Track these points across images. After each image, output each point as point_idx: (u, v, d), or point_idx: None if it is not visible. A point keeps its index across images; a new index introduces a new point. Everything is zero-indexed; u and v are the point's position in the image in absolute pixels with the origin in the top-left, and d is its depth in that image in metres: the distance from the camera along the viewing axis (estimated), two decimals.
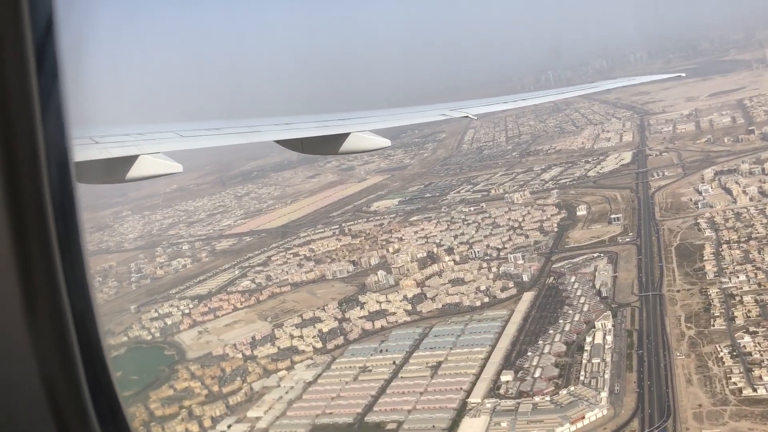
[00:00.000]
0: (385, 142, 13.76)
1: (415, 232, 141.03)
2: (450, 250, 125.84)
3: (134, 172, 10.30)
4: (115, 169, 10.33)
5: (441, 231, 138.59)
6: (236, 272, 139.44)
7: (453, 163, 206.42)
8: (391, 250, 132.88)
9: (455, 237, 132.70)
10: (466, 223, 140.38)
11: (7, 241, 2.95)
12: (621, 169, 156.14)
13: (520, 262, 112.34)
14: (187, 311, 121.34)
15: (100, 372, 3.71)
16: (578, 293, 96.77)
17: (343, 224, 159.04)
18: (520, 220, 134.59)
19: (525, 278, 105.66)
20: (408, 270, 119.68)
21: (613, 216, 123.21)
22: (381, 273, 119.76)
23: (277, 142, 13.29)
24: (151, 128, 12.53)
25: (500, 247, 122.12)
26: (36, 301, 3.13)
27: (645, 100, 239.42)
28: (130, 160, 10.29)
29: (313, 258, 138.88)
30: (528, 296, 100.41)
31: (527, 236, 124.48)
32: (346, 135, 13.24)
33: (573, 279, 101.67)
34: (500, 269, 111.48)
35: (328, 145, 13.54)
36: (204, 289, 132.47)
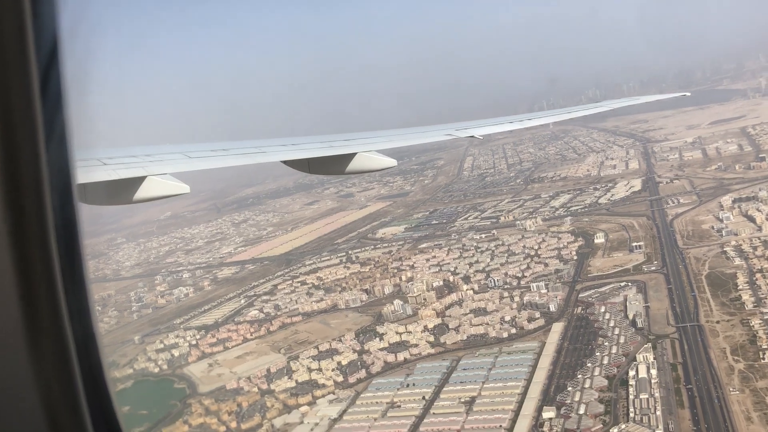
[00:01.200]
0: (392, 162, 13.93)
1: (427, 260, 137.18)
2: (467, 279, 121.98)
3: (141, 193, 10.29)
4: (123, 190, 10.31)
5: (454, 259, 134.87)
6: (242, 301, 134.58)
7: (456, 189, 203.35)
8: (404, 278, 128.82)
9: (470, 265, 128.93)
10: (479, 250, 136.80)
11: (10, 262, 3.00)
12: (633, 197, 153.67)
13: (544, 291, 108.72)
14: (194, 342, 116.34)
15: (101, 396, 3.73)
16: (611, 324, 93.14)
17: (350, 252, 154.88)
18: (536, 247, 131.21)
19: (552, 308, 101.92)
20: (425, 299, 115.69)
21: (634, 244, 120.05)
22: (397, 302, 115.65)
23: (284, 162, 13.29)
24: (158, 149, 12.59)
25: (519, 275, 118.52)
26: (38, 319, 3.17)
27: (645, 128, 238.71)
28: (137, 181, 10.28)
29: (322, 286, 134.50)
30: (558, 327, 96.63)
31: (546, 264, 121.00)
32: (353, 155, 13.45)
33: (603, 309, 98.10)
34: (524, 299, 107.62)
35: (335, 165, 13.65)
36: (210, 318, 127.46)
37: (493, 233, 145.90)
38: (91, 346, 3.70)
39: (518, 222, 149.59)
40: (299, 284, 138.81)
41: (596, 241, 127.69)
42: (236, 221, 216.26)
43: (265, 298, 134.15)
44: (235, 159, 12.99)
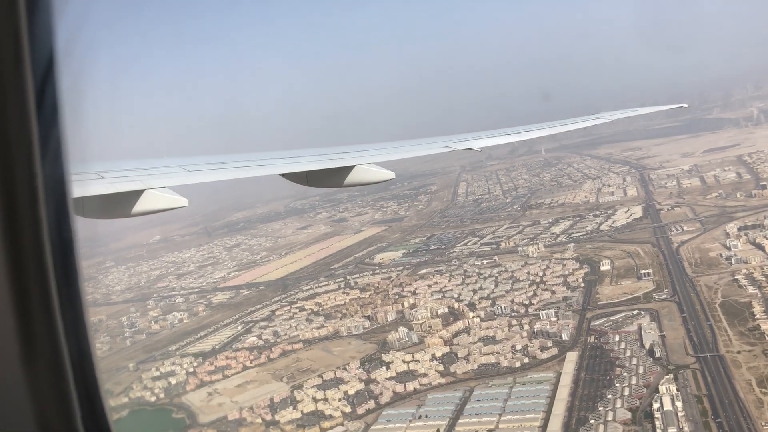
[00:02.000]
0: (390, 174, 13.74)
1: (429, 286, 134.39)
2: (472, 306, 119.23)
3: (140, 206, 10.25)
4: (121, 203, 10.25)
5: (456, 285, 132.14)
6: (239, 327, 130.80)
7: (452, 215, 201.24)
8: (406, 305, 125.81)
9: (474, 292, 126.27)
10: (482, 276, 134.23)
11: (6, 276, 3.04)
12: (634, 224, 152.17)
13: (554, 319, 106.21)
14: (191, 370, 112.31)
15: (97, 411, 3.72)
16: (628, 353, 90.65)
17: (348, 277, 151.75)
18: (541, 274, 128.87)
19: (564, 337, 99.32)
20: (431, 327, 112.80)
21: (642, 271, 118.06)
22: (402, 329, 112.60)
23: (282, 175, 13.32)
24: (156, 163, 12.49)
25: (527, 303, 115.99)
26: (33, 333, 3.22)
27: (639, 156, 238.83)
28: (135, 194, 10.26)
29: (322, 313, 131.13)
30: (572, 356, 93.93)
31: (553, 292, 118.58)
32: (351, 168, 13.44)
33: (617, 338, 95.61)
34: (534, 327, 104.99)
35: (333, 178, 13.60)
36: (206, 345, 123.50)
37: (495, 259, 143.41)
38: (86, 361, 3.65)
39: (520, 248, 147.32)
40: (297, 310, 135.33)
41: (602, 268, 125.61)
42: (228, 245, 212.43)
43: (263, 324, 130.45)
44: (233, 172, 12.96)
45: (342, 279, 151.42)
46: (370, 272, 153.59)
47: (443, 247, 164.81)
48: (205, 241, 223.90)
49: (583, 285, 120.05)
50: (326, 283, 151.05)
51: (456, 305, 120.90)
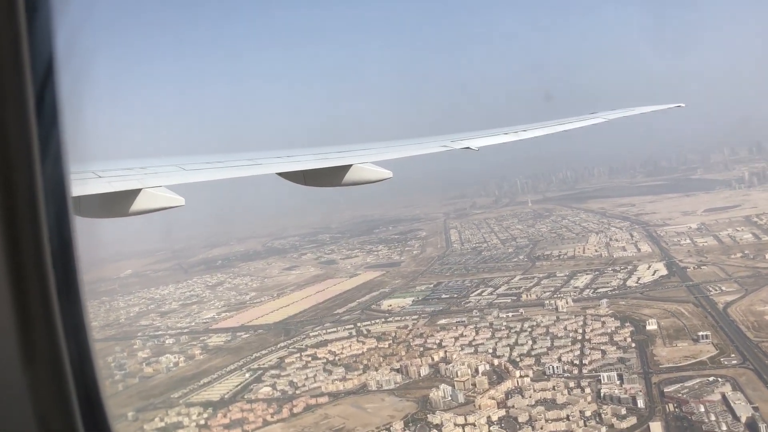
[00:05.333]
0: (387, 174, 13.80)
1: (455, 339, 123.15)
2: (514, 363, 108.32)
3: (137, 205, 10.26)
4: (118, 203, 10.24)
5: (486, 339, 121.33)
6: (246, 375, 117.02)
7: (452, 262, 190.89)
8: (436, 358, 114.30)
9: (510, 347, 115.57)
10: (512, 331, 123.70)
11: (5, 276, 3.02)
12: (662, 281, 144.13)
13: (617, 382, 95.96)
14: (202, 421, 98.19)
15: (97, 412, 3.69)
16: (723, 427, 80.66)
17: (358, 324, 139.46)
18: (580, 331, 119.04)
19: (639, 404, 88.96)
20: (475, 385, 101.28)
21: (700, 333, 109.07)
22: (444, 387, 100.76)
23: (279, 174, 13.38)
24: (152, 162, 12.50)
25: (576, 362, 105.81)
26: (33, 334, 3.19)
27: (635, 212, 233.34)
28: (132, 193, 10.28)
29: (339, 362, 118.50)
30: (656, 427, 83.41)
31: (604, 352, 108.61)
32: (348, 167, 13.50)
33: (702, 408, 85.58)
34: (597, 390, 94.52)
35: (330, 177, 13.60)
36: (214, 393, 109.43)
37: (521, 312, 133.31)
38: (86, 362, 3.62)
39: (546, 302, 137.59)
40: (310, 358, 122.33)
41: (648, 327, 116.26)
42: (210, 283, 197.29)
43: (273, 372, 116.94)
44: (230, 171, 12.92)
45: (351, 326, 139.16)
46: (381, 320, 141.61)
47: (455, 296, 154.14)
48: (183, 277, 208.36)
49: (633, 345, 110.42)
50: (334, 329, 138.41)
51: (495, 362, 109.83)
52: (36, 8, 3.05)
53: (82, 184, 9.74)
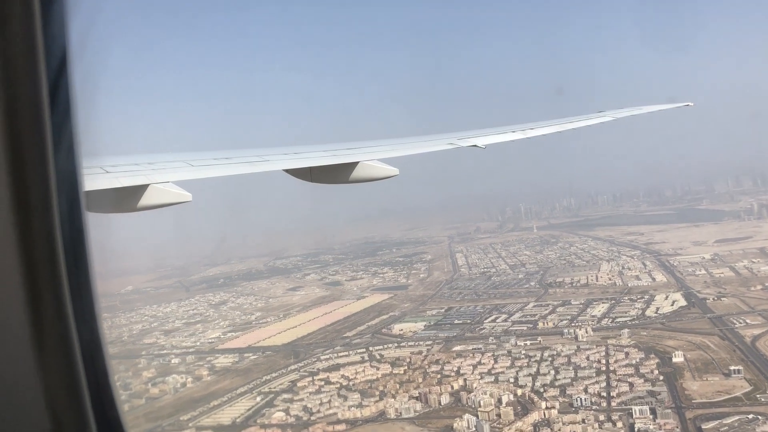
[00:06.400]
0: (394, 171, 13.75)
1: (473, 366, 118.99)
2: (539, 394, 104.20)
3: (145, 201, 10.28)
4: (126, 198, 10.26)
5: (506, 367, 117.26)
6: (258, 399, 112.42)
7: (462, 287, 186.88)
8: (456, 386, 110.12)
9: (532, 377, 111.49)
10: (533, 359, 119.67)
11: (18, 268, 3.06)
12: (682, 312, 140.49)
13: (650, 416, 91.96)
14: None
15: (107, 402, 3.76)
16: None
17: (370, 348, 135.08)
18: (603, 361, 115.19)
19: None
20: (500, 416, 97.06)
21: (732, 368, 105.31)
22: (468, 417, 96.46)
23: (286, 171, 13.32)
24: (160, 158, 12.52)
25: (603, 394, 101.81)
26: (44, 326, 3.23)
27: (644, 241, 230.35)
28: (140, 189, 10.32)
29: (354, 388, 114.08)
30: None
31: (631, 384, 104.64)
32: (355, 164, 13.52)
33: None
34: (630, 424, 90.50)
35: (337, 173, 13.58)
36: (225, 417, 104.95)
37: (539, 340, 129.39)
38: (97, 354, 3.68)
39: (565, 330, 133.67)
40: (323, 383, 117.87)
41: (674, 359, 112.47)
42: (213, 302, 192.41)
43: (285, 396, 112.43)
44: (237, 167, 12.87)
45: (363, 350, 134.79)
46: (394, 344, 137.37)
47: (468, 321, 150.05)
48: (184, 295, 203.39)
49: (662, 378, 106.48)
50: (346, 353, 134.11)
51: (519, 392, 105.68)
52: (50, 2, 3.07)
53: (90, 179, 9.49)
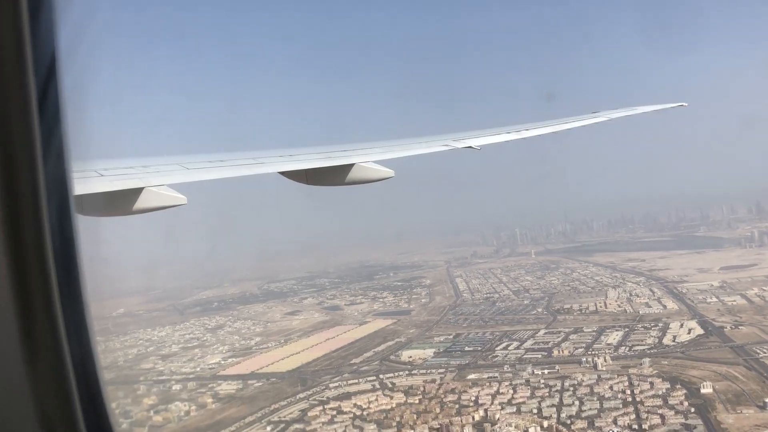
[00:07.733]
0: (389, 173, 13.63)
1: (491, 396, 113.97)
2: (566, 426, 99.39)
3: (139, 204, 10.20)
4: (120, 201, 10.18)
5: (527, 397, 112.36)
6: (268, 429, 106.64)
7: (466, 312, 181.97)
8: (476, 417, 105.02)
9: (556, 408, 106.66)
10: (553, 389, 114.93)
11: (7, 275, 3.00)
12: (701, 340, 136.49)
13: None
14: None
15: (99, 412, 3.74)
16: None
17: (380, 376, 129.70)
18: (628, 392, 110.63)
19: None
20: None
21: (766, 400, 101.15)
22: None
23: (282, 173, 13.24)
24: (155, 161, 12.40)
25: (635, 426, 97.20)
26: (35, 334, 3.17)
27: (648, 267, 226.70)
28: (134, 192, 10.21)
29: (368, 418, 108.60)
30: None
31: (662, 416, 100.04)
32: (351, 166, 13.44)
33: None
34: None
35: (333, 176, 13.50)
36: None
37: (557, 369, 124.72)
38: (88, 362, 3.61)
39: (583, 359, 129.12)
40: (335, 412, 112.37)
41: (703, 390, 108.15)
42: (209, 326, 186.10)
43: (297, 427, 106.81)
44: (232, 170, 12.83)
45: (373, 377, 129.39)
46: (404, 372, 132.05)
47: (479, 348, 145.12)
48: (179, 319, 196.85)
49: (693, 410, 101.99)
50: (355, 380, 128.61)
51: (545, 423, 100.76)
52: (39, 6, 3.03)
53: (84, 182, 9.58)
